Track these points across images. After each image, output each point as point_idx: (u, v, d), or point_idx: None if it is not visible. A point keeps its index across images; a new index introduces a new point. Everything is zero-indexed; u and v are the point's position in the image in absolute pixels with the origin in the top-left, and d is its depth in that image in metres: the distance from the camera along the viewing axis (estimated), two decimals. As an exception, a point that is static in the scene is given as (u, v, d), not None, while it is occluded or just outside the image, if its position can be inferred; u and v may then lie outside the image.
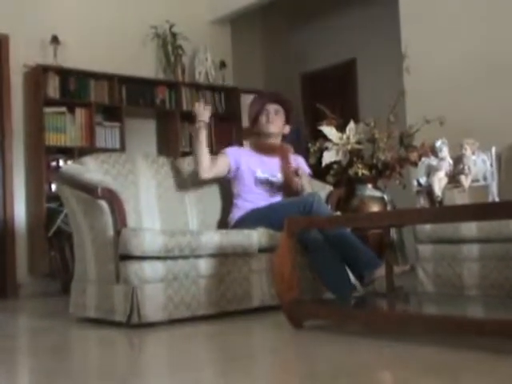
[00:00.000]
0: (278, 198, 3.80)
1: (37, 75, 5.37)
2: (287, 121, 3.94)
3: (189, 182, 3.91)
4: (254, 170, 3.80)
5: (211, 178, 3.77)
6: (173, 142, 6.05)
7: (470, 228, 3.42)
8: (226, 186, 3.92)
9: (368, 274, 3.35)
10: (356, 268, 3.40)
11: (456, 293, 3.48)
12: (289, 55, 7.49)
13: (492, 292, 3.35)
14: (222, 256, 3.33)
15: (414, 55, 4.46)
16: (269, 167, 3.83)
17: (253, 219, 3.60)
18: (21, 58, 5.41)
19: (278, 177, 3.83)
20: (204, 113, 3.66)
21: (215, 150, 5.72)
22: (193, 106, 3.89)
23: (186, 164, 3.99)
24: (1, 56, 5.37)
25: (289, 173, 3.80)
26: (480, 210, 2.34)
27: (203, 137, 3.66)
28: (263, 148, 3.88)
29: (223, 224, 3.88)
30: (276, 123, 3.86)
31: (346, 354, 2.32)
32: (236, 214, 3.76)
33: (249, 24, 7.12)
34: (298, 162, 3.96)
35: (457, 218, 2.66)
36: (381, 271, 3.27)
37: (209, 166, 3.69)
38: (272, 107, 3.88)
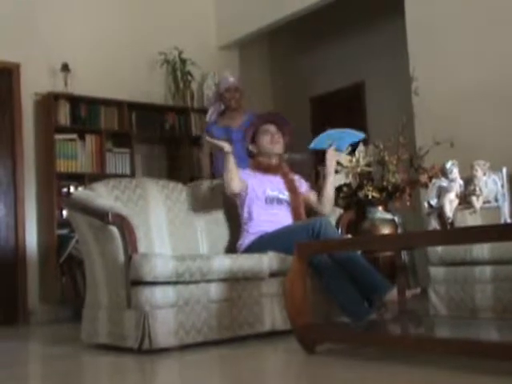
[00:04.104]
0: (288, 219, 3.79)
1: (48, 103, 5.42)
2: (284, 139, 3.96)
3: (199, 206, 3.92)
4: (264, 189, 3.80)
5: (237, 193, 3.77)
6: (182, 167, 6.07)
7: (482, 250, 3.39)
8: (235, 211, 3.92)
9: (378, 298, 3.32)
10: (366, 292, 3.37)
11: (469, 315, 3.44)
12: (297, 79, 7.53)
13: (506, 314, 3.32)
14: (233, 280, 3.32)
15: (423, 77, 4.47)
16: (276, 185, 3.85)
17: (262, 245, 3.60)
18: (32, 86, 5.47)
19: (286, 194, 3.85)
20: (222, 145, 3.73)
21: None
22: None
23: (195, 189, 4.00)
24: (12, 84, 5.44)
25: (295, 191, 3.85)
26: (492, 232, 2.32)
27: (231, 159, 3.70)
28: (264, 167, 3.89)
29: (234, 248, 3.87)
30: (280, 144, 3.88)
31: (359, 379, 2.29)
32: (245, 240, 3.75)
33: (257, 49, 7.17)
34: (301, 182, 3.98)
35: (469, 239, 2.64)
36: (391, 295, 3.24)
37: (238, 180, 3.73)
38: (271, 127, 3.90)
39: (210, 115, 4.97)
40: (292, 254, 2.91)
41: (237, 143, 4.50)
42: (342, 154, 3.91)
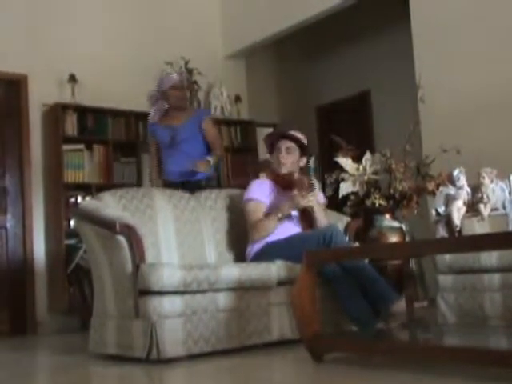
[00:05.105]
0: (296, 230, 3.79)
1: (55, 113, 5.45)
2: (303, 153, 3.93)
3: (206, 215, 3.93)
4: (277, 205, 3.79)
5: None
6: (190, 177, 6.07)
7: (490, 258, 3.38)
8: (243, 219, 3.91)
9: (384, 308, 3.31)
10: (373, 301, 3.37)
11: (478, 323, 3.42)
12: (303, 88, 7.54)
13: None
14: (241, 290, 3.31)
15: (429, 85, 4.46)
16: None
17: (272, 252, 3.60)
18: (39, 97, 5.50)
19: (296, 211, 3.83)
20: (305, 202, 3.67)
21: (232, 184, 5.77)
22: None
23: (203, 198, 4.01)
24: (20, 95, 5.47)
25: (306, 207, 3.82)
26: (501, 239, 2.31)
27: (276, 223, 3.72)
28: (283, 185, 3.87)
29: (241, 257, 3.88)
30: (287, 163, 3.86)
31: (369, 387, 2.29)
32: (255, 246, 3.76)
33: (263, 58, 7.20)
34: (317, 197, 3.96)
35: (477, 247, 2.63)
36: (399, 306, 3.23)
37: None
38: (284, 144, 3.89)
39: (154, 115, 4.66)
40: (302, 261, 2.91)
41: (183, 142, 4.47)
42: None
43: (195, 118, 4.61)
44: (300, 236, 3.69)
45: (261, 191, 3.85)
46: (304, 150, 3.94)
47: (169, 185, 4.41)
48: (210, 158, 4.47)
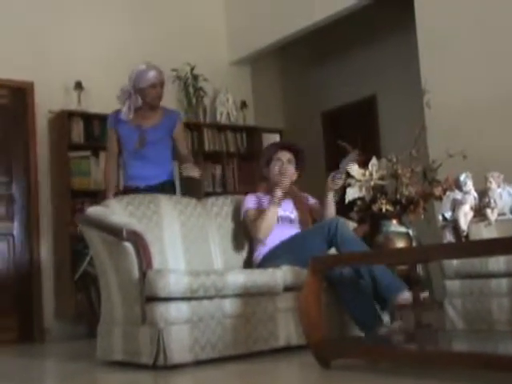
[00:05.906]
0: (294, 231, 3.84)
1: (62, 120, 5.47)
2: (298, 169, 3.99)
3: (212, 221, 3.93)
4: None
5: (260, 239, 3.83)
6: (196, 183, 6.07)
7: (497, 262, 3.36)
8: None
9: (392, 298, 3.28)
10: (380, 293, 3.35)
11: (486, 329, 3.41)
12: (309, 93, 7.54)
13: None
14: (248, 296, 3.31)
15: (434, 90, 4.46)
16: (287, 207, 3.93)
17: (280, 253, 3.63)
18: (46, 105, 5.53)
19: (295, 214, 3.93)
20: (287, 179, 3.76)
21: (238, 190, 5.78)
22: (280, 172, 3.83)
23: (209, 204, 4.01)
24: (26, 103, 5.50)
25: (303, 210, 3.94)
26: (508, 244, 2.30)
27: (277, 210, 3.78)
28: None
29: (247, 263, 3.88)
30: (288, 174, 3.87)
31: (376, 393, 2.28)
32: (262, 250, 3.77)
33: (269, 64, 7.21)
34: (308, 198, 4.07)
35: (484, 252, 2.62)
36: (406, 297, 3.22)
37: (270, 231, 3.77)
38: (285, 156, 3.92)
39: (128, 112, 4.22)
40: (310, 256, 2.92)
41: (152, 144, 4.20)
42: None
43: (167, 122, 4.30)
44: (305, 232, 3.76)
45: (253, 201, 3.91)
46: (299, 166, 3.99)
47: (128, 191, 4.10)
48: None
